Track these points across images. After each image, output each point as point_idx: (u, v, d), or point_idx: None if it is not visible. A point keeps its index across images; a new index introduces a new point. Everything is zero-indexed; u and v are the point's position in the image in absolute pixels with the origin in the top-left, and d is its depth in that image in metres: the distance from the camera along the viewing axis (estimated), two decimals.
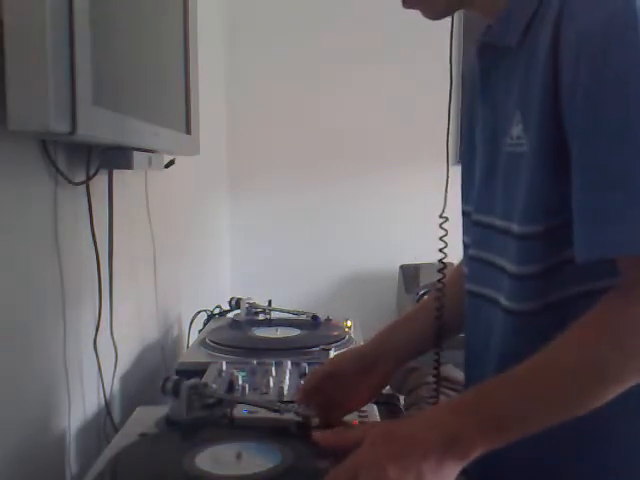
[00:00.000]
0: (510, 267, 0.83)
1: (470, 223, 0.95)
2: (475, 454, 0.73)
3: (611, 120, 0.71)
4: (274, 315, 1.78)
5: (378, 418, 1.06)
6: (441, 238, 1.00)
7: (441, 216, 0.99)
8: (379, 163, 3.05)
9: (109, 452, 0.92)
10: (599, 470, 0.82)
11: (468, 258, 0.96)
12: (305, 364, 1.28)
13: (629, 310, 0.72)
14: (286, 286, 2.93)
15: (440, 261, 1.01)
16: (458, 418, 0.74)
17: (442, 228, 1.00)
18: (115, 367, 1.28)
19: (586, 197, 0.73)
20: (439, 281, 1.02)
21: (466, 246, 0.97)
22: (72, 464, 1.10)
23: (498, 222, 0.87)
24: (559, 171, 0.75)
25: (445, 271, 1.02)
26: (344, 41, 2.98)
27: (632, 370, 0.71)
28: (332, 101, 3.03)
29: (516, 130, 0.82)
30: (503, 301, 0.85)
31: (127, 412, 1.19)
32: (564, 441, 0.81)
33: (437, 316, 1.01)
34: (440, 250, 1.01)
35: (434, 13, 0.90)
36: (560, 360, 0.73)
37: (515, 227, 0.82)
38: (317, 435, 0.84)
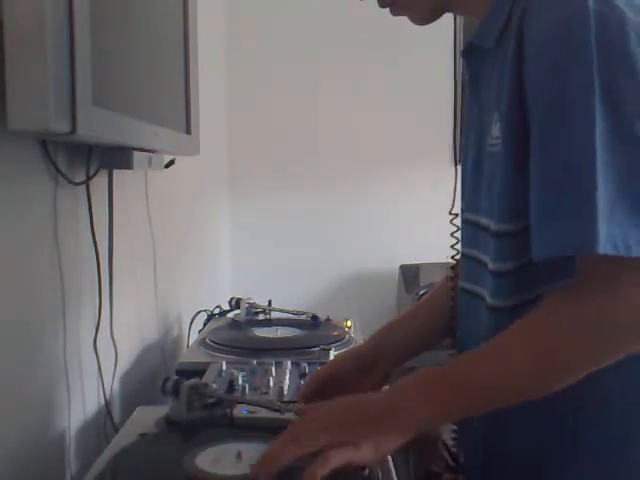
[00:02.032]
0: (489, 264, 0.84)
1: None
2: (416, 427, 0.75)
3: (562, 120, 0.71)
4: (274, 315, 1.78)
5: None
6: (452, 234, 1.00)
7: (451, 212, 1.00)
8: (379, 163, 3.05)
9: (109, 452, 0.92)
10: (599, 469, 0.82)
11: (461, 256, 0.96)
12: (305, 364, 1.28)
13: (580, 305, 0.73)
14: (286, 286, 2.92)
15: (453, 257, 1.01)
16: (403, 391, 0.77)
17: (453, 224, 1.00)
18: (115, 367, 1.28)
19: (539, 195, 0.73)
20: (451, 279, 1.02)
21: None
22: (72, 464, 1.10)
23: (483, 220, 0.88)
24: (527, 171, 0.76)
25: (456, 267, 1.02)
26: (345, 41, 2.98)
27: (582, 360, 0.73)
28: (332, 101, 3.03)
29: (495, 130, 0.83)
30: (487, 298, 0.86)
31: (127, 412, 1.19)
32: (562, 440, 0.82)
33: (452, 306, 1.01)
34: (452, 246, 1.00)
35: (421, 19, 0.91)
36: (514, 353, 0.75)
37: (492, 225, 0.83)
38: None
